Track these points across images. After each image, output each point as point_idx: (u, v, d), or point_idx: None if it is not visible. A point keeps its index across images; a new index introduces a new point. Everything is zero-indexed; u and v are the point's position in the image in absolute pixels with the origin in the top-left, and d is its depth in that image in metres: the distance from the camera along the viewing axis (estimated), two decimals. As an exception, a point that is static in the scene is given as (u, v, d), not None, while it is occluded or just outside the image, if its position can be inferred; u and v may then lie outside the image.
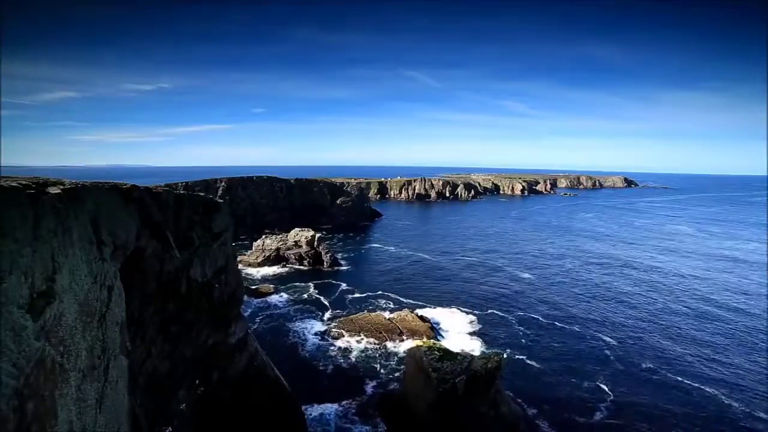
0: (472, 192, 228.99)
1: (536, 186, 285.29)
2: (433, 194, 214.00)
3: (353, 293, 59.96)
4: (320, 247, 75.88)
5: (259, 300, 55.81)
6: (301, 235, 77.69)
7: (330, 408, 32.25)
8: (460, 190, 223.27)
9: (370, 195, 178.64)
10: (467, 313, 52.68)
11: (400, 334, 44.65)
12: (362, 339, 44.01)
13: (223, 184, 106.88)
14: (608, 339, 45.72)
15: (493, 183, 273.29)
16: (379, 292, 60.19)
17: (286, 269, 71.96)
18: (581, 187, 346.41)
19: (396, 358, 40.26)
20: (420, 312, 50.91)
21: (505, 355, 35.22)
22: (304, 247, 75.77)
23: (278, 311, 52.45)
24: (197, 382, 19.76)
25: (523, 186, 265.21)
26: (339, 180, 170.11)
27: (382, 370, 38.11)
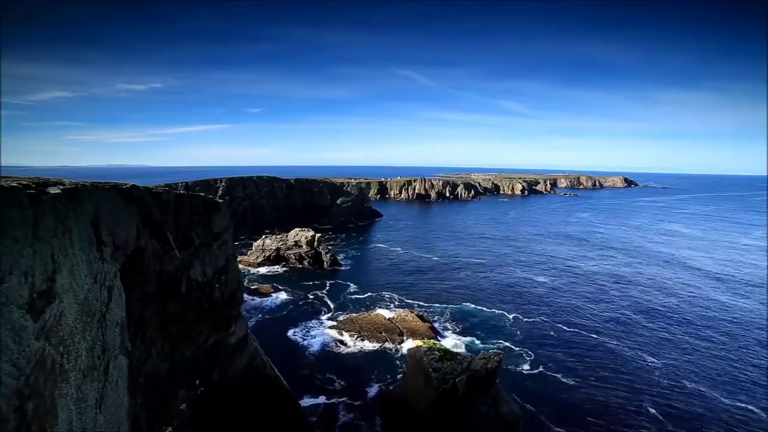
0: (472, 192, 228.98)
1: (536, 186, 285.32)
2: (433, 194, 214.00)
3: (353, 293, 59.96)
4: (320, 247, 75.87)
5: (259, 300, 55.80)
6: (301, 235, 77.68)
7: (329, 407, 32.26)
8: (460, 190, 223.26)
9: (370, 195, 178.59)
10: (468, 312, 52.71)
11: (400, 334, 44.65)
12: (362, 339, 44.01)
13: (223, 184, 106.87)
14: (611, 340, 45.74)
15: (493, 183, 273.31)
16: (380, 292, 60.17)
17: (286, 269, 71.96)
18: (581, 187, 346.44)
19: (396, 358, 40.28)
20: (420, 312, 50.93)
21: (514, 352, 35.31)
22: (304, 247, 75.76)
23: (278, 311, 52.46)
24: (197, 382, 19.76)
25: (523, 186, 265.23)
26: (339, 180, 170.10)
27: (381, 370, 38.11)
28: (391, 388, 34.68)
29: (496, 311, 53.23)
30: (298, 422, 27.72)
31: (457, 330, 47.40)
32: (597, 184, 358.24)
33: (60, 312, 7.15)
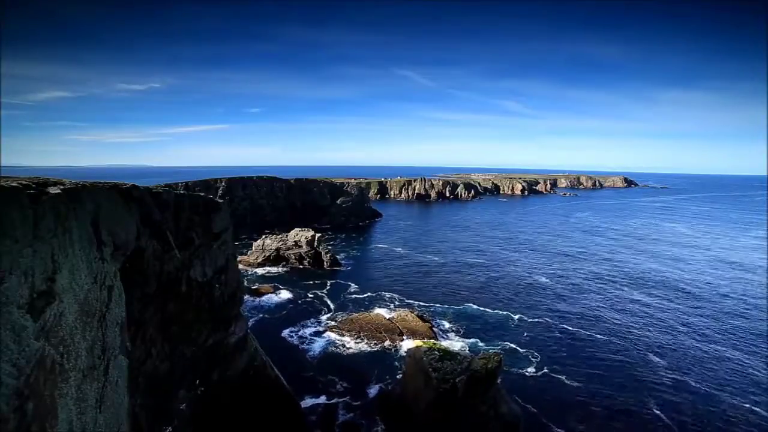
0: (472, 192, 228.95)
1: (536, 186, 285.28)
2: (433, 194, 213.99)
3: (353, 293, 59.94)
4: (320, 247, 75.87)
5: (259, 300, 55.80)
6: (301, 235, 77.67)
7: (329, 407, 32.24)
8: (460, 190, 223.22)
9: (370, 195, 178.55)
10: (469, 313, 52.67)
11: (400, 334, 44.63)
12: (362, 339, 43.99)
13: (223, 184, 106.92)
14: (615, 340, 45.70)
15: (493, 183, 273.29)
16: (379, 292, 60.15)
17: (286, 269, 71.95)
18: (581, 187, 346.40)
19: (396, 358, 40.26)
20: (420, 312, 50.89)
21: (519, 354, 35.34)
22: (304, 247, 75.76)
23: (278, 311, 52.44)
24: (197, 382, 19.77)
25: (523, 186, 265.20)
26: (339, 180, 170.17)
27: (381, 370, 38.08)
28: (390, 388, 34.67)
29: (500, 312, 53.12)
30: (298, 422, 27.73)
31: (459, 330, 47.33)
32: (597, 184, 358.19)
33: (60, 312, 7.14)
